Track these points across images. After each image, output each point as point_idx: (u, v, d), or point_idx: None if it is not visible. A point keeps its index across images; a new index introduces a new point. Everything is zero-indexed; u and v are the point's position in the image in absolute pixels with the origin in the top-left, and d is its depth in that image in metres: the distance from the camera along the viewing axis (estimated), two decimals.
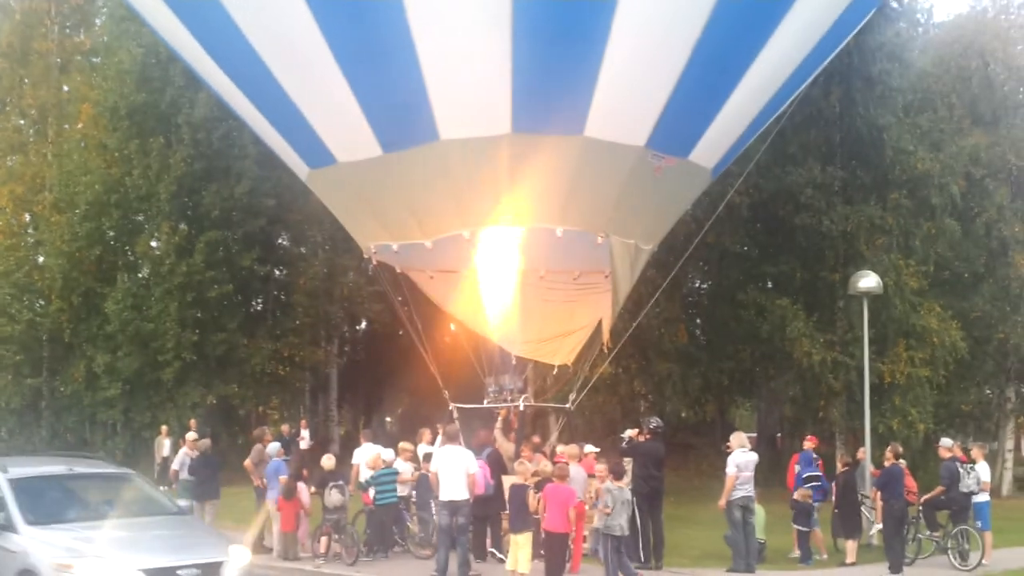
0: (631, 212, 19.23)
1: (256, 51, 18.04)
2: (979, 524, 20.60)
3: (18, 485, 14.08)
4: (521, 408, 21.55)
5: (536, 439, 22.51)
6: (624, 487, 16.69)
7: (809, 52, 19.17)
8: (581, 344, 22.84)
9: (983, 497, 20.79)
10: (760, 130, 21.21)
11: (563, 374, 24.46)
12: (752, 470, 19.33)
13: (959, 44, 39.17)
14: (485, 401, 22.00)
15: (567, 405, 22.69)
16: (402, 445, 21.51)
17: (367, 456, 21.10)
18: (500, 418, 21.73)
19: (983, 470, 21.11)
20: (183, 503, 16.97)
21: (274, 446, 21.49)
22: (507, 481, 18.62)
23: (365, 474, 20.80)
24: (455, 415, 21.52)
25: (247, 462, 22.08)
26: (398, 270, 22.10)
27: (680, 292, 38.77)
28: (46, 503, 14.23)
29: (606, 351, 21.77)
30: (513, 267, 20.32)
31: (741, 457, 19.10)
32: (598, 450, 20.08)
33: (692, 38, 16.98)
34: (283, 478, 20.07)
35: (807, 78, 20.59)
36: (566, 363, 23.49)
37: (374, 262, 21.60)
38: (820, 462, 22.96)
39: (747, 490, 19.09)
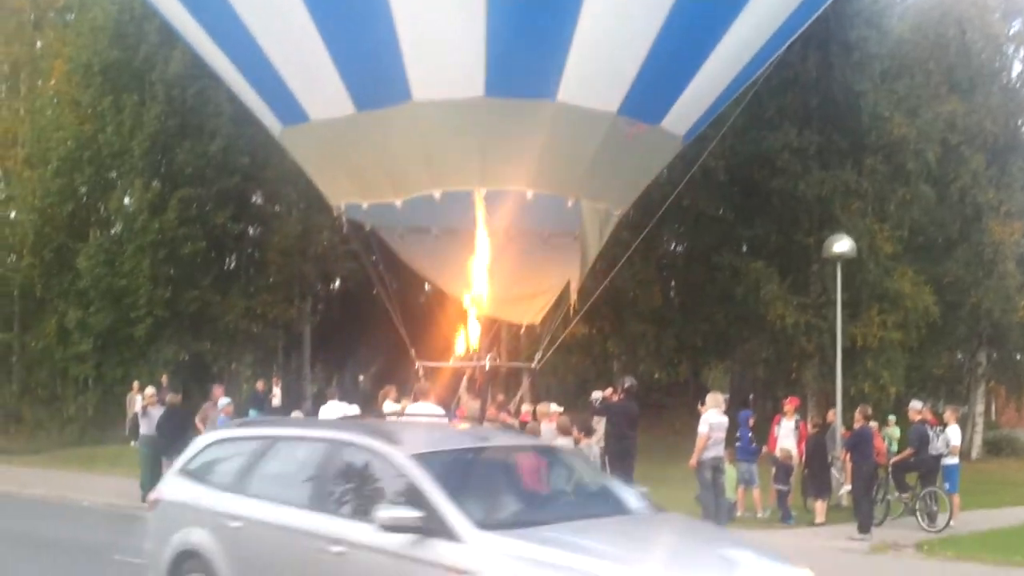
0: (602, 177, 19.19)
1: (232, 6, 17.90)
2: (947, 486, 20.81)
3: (435, 467, 8.79)
4: (487, 367, 21.58)
5: (500, 397, 22.51)
6: (592, 444, 16.81)
7: (785, 19, 19.10)
8: (549, 305, 22.88)
9: (952, 460, 20.98)
10: (732, 97, 21.20)
11: (536, 334, 24.51)
12: (724, 431, 19.49)
13: (936, 11, 39.12)
14: (451, 360, 22.04)
15: (532, 364, 22.73)
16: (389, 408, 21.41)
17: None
18: (466, 377, 21.74)
19: (953, 433, 21.29)
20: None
21: (223, 401, 21.18)
22: None
23: None
24: (421, 373, 21.58)
25: (197, 419, 21.85)
26: (367, 228, 22.05)
27: (655, 254, 38.93)
28: (483, 494, 9.02)
29: (571, 313, 21.82)
30: (482, 227, 20.32)
31: (714, 418, 19.23)
32: (561, 409, 20.13)
33: (667, 4, 16.93)
34: None
35: (781, 46, 20.51)
36: (533, 323, 23.54)
37: (344, 219, 21.57)
38: (803, 423, 23.25)
39: (718, 451, 19.24)
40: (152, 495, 11.54)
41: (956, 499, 20.81)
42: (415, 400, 18.78)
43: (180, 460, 11.37)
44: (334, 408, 21.62)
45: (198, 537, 10.00)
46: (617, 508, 9.45)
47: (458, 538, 8.04)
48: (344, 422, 11.66)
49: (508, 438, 11.32)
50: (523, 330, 24.06)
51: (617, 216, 20.81)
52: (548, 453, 11.21)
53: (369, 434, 9.56)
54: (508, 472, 9.97)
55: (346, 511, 9.02)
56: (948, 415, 22.21)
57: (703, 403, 20.25)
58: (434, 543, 8.12)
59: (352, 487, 9.35)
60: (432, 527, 8.14)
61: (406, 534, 8.22)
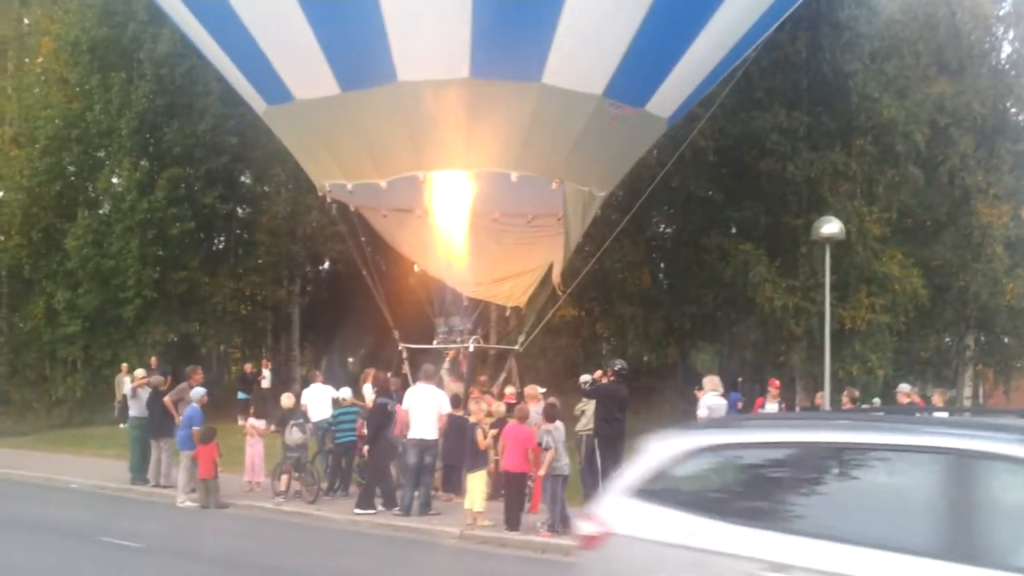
0: (586, 159, 19.25)
1: None
2: None
3: None
4: (471, 349, 21.59)
5: (483, 379, 22.48)
6: (559, 427, 16.66)
7: (769, 6, 19.12)
8: (533, 286, 22.93)
9: None
10: (718, 80, 21.19)
11: (525, 316, 24.52)
12: (722, 414, 19.39)
13: None
14: (435, 342, 22.02)
15: (516, 347, 22.71)
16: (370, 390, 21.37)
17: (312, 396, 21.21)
18: (448, 359, 21.74)
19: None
20: None
21: (197, 392, 20.71)
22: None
23: (318, 415, 20.74)
24: (404, 355, 21.60)
25: (167, 399, 21.53)
26: (352, 208, 22.03)
27: (644, 236, 38.92)
28: None
29: (559, 293, 21.81)
30: (466, 208, 20.32)
31: (713, 400, 19.11)
32: (544, 390, 20.11)
33: None
34: (196, 429, 19.66)
35: (768, 29, 20.57)
36: (518, 305, 23.54)
37: (328, 199, 21.56)
38: (784, 405, 23.26)
39: None
40: (588, 527, 7.81)
41: None
42: (417, 383, 18.84)
43: (631, 475, 7.83)
44: (318, 391, 21.63)
45: None
46: None
47: None
48: (959, 422, 7.89)
49: None
50: (508, 312, 24.08)
51: (601, 198, 20.85)
52: None
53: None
54: None
55: None
56: (936, 398, 22.19)
57: (700, 387, 20.12)
58: None
59: None
60: None
61: None
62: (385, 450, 18.74)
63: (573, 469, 18.05)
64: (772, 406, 22.72)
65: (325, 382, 22.60)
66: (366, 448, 19.49)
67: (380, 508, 18.28)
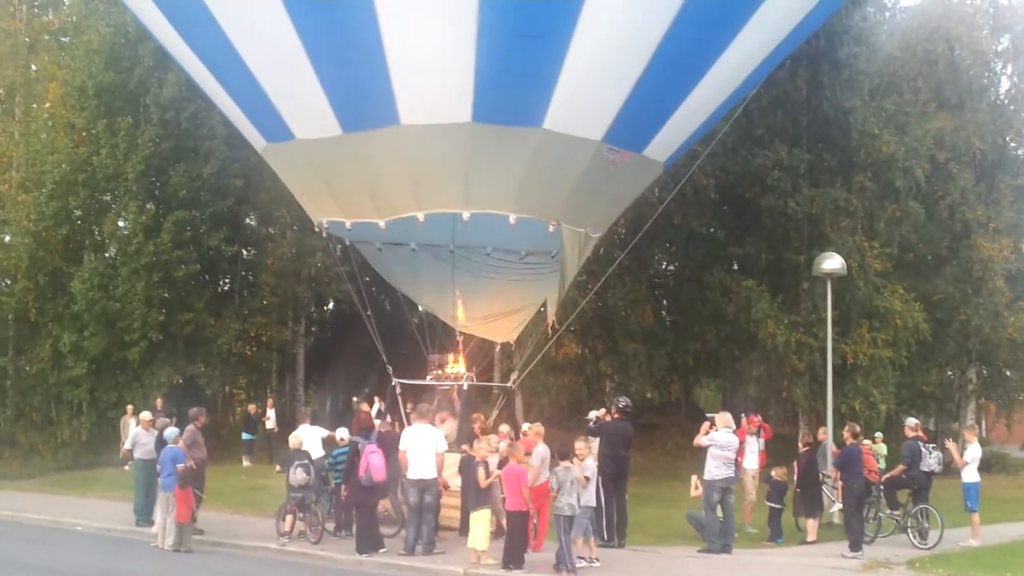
0: (583, 202, 19.40)
1: (221, 27, 18.08)
2: (968, 505, 20.75)
3: None
4: (464, 387, 21.63)
5: (477, 415, 22.39)
6: (571, 467, 16.62)
7: (770, 53, 19.32)
8: (524, 323, 23.02)
9: (973, 477, 20.90)
10: (715, 123, 21.37)
11: (527, 353, 24.59)
12: (734, 451, 19.47)
13: (925, 29, 39.43)
14: (428, 378, 22.09)
15: (509, 384, 22.78)
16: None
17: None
18: (438, 397, 21.79)
19: (974, 451, 21.20)
20: None
21: (172, 432, 20.58)
22: (450, 459, 19.05)
23: (318, 452, 20.73)
24: (398, 391, 21.65)
25: (182, 443, 21.22)
26: (347, 242, 22.18)
27: (647, 273, 39.05)
28: None
29: (550, 332, 21.90)
30: (462, 247, 20.44)
31: (724, 437, 19.19)
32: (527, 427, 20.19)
33: (656, 37, 17.08)
34: (181, 466, 19.53)
35: (765, 75, 20.79)
36: (509, 341, 23.63)
37: (324, 234, 21.78)
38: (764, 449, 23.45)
39: (729, 471, 19.15)
40: None
41: (975, 517, 20.85)
42: (412, 422, 18.88)
43: None
44: (307, 431, 21.68)
45: None
46: None
47: None
48: None
49: None
50: (498, 348, 24.19)
51: (596, 238, 20.99)
52: None
53: None
54: None
55: None
56: (968, 435, 22.26)
57: (713, 424, 20.16)
58: None
59: None
60: None
61: None
62: (357, 491, 18.78)
63: None
64: (751, 442, 22.91)
65: (323, 423, 22.60)
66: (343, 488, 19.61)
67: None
